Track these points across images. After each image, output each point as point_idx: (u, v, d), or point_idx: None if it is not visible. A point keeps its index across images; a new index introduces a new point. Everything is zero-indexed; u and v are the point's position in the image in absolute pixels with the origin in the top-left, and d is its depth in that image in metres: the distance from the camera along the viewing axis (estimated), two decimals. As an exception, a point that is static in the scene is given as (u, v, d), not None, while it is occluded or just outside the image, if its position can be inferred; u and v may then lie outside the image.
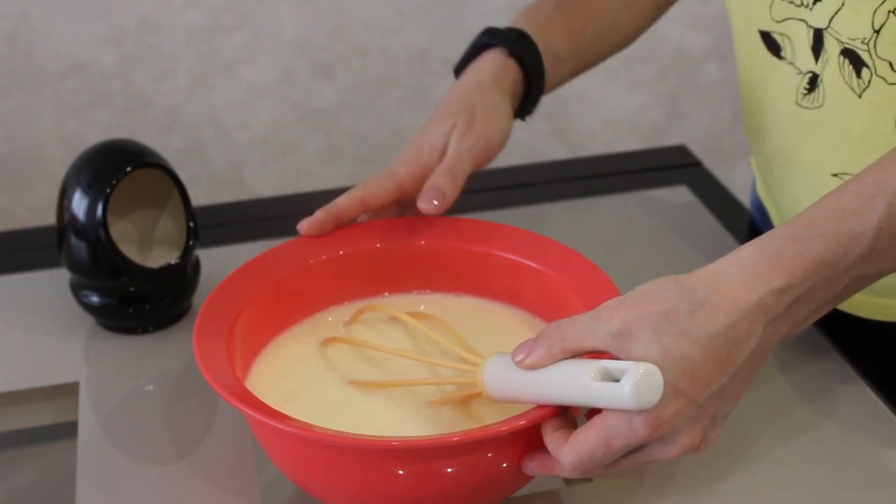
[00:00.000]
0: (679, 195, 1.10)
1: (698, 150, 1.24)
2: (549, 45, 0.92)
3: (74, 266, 0.90)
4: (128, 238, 0.95)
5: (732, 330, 0.64)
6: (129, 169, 0.89)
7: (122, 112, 1.90)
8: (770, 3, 0.82)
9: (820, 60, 0.79)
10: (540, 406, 0.67)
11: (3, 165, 1.91)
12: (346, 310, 0.84)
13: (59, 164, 1.86)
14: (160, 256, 0.95)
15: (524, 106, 0.92)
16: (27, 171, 1.92)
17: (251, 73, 1.91)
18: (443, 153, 0.84)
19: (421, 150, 0.85)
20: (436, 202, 0.81)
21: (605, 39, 0.97)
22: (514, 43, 0.89)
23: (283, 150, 1.97)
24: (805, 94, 0.82)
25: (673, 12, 2.27)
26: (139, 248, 0.95)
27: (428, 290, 0.85)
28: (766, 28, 0.84)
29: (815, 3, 0.78)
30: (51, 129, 1.89)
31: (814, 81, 0.80)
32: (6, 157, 1.90)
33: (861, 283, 0.68)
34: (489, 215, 1.05)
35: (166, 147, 1.81)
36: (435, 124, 0.86)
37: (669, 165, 1.17)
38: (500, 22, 0.95)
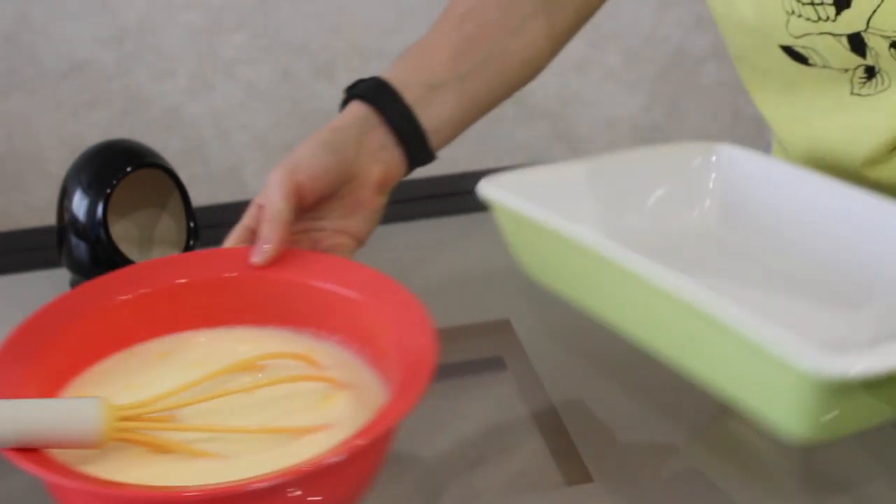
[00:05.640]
0: (679, 195, 1.10)
1: (698, 151, 1.24)
2: (421, 76, 0.89)
3: (74, 266, 0.90)
4: (128, 238, 0.95)
5: None
6: (129, 169, 0.89)
7: (122, 112, 1.90)
8: (786, 21, 0.80)
9: (868, 56, 0.78)
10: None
11: (3, 165, 1.91)
12: (152, 346, 0.78)
13: (59, 164, 1.86)
14: (160, 256, 0.95)
15: (399, 142, 0.88)
16: (27, 171, 1.92)
17: (251, 73, 1.91)
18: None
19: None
20: (266, 247, 0.79)
21: (493, 65, 0.92)
22: (362, 89, 0.88)
23: (283, 150, 1.97)
24: (864, 83, 0.80)
25: (673, 13, 2.28)
26: (139, 248, 0.95)
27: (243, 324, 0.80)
28: (786, 43, 0.81)
29: (838, 13, 0.76)
30: (51, 129, 1.89)
31: (871, 70, 0.79)
32: (6, 157, 1.90)
33: None
34: (490, 215, 1.05)
35: (166, 147, 1.81)
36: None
37: (669, 165, 1.16)
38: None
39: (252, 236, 0.81)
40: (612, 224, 0.84)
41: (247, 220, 0.83)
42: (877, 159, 0.81)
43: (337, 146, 0.85)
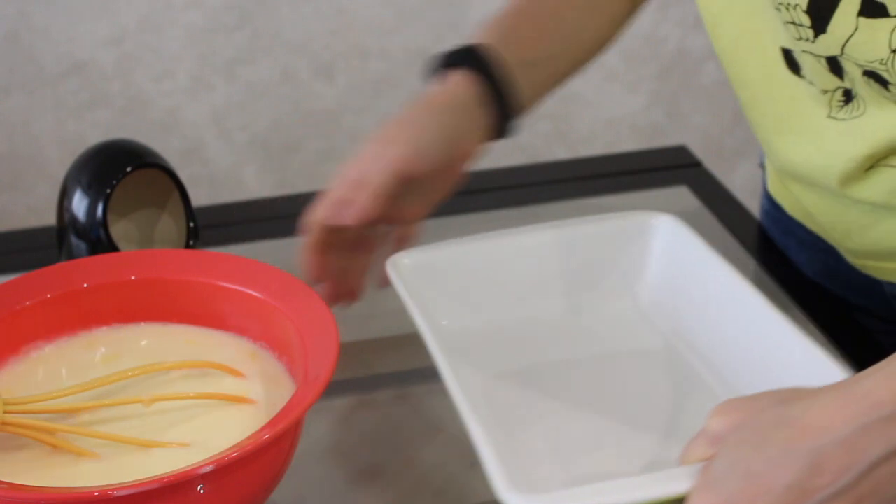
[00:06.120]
0: (679, 195, 1.10)
1: (698, 150, 1.24)
2: (517, 53, 0.88)
3: (74, 266, 0.90)
4: (128, 238, 0.95)
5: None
6: (129, 169, 0.89)
7: (122, 112, 1.90)
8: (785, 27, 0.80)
9: (845, 79, 0.77)
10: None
11: (3, 165, 1.91)
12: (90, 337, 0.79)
13: (59, 164, 1.86)
14: (160, 256, 0.95)
15: (500, 119, 0.88)
16: (27, 171, 1.92)
17: (251, 73, 1.91)
18: None
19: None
20: (351, 209, 0.80)
21: (574, 44, 0.93)
22: (474, 60, 0.87)
23: (283, 150, 1.97)
24: (841, 107, 0.80)
25: (673, 13, 2.27)
26: (139, 248, 0.95)
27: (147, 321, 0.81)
28: (788, 45, 0.81)
29: (816, 36, 0.75)
30: (51, 129, 1.89)
31: (848, 94, 0.79)
32: (6, 157, 1.90)
33: None
34: (489, 215, 1.05)
35: (166, 147, 1.81)
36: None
37: (669, 165, 1.17)
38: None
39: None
40: (530, 304, 0.86)
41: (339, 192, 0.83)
42: (852, 177, 0.81)
43: (453, 131, 0.85)
